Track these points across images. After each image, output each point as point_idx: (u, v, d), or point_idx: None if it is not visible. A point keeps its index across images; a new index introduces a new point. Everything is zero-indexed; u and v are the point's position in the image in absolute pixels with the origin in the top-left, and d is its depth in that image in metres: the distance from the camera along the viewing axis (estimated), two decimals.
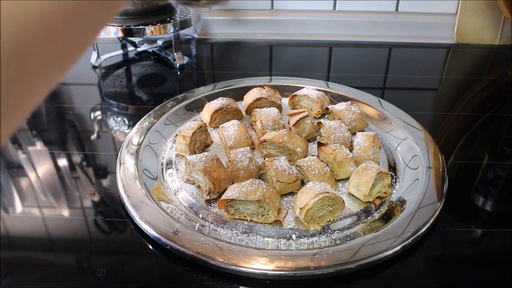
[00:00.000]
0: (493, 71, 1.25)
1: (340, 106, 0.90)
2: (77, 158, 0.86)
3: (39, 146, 0.90)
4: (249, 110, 0.93)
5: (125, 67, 1.23)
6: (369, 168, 0.73)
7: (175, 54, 1.19)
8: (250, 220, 0.69)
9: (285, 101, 0.98)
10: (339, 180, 0.78)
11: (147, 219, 0.67)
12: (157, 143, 0.86)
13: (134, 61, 1.26)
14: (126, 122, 0.97)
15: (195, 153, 0.82)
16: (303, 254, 0.62)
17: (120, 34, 1.11)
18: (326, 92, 0.98)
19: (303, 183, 0.75)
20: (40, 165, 0.84)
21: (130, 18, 1.13)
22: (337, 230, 0.67)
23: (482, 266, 0.65)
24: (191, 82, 1.17)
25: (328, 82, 1.06)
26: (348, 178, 0.75)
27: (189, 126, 0.83)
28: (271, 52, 1.33)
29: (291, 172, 0.73)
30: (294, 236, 0.66)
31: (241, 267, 0.60)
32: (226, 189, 0.71)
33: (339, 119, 0.88)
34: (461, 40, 1.33)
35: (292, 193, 0.74)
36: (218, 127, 0.87)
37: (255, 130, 0.90)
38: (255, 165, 0.76)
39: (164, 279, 0.62)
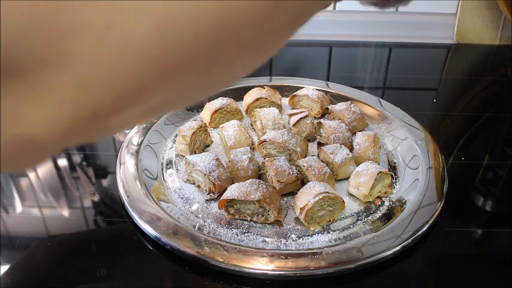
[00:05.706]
0: (493, 71, 1.25)
1: (340, 106, 0.90)
2: (77, 158, 0.86)
3: None
4: (249, 110, 0.93)
5: None
6: (369, 168, 0.73)
7: None
8: (250, 220, 0.69)
9: (285, 101, 0.98)
10: (339, 180, 0.77)
11: (147, 219, 0.67)
12: (157, 143, 0.86)
13: None
14: None
15: (195, 153, 0.82)
16: (303, 254, 0.62)
17: None
18: (326, 92, 0.98)
19: (303, 183, 0.75)
20: (40, 165, 0.84)
21: None
22: (337, 230, 0.67)
23: (482, 266, 0.65)
24: None
25: (328, 82, 1.06)
26: (348, 178, 0.75)
27: (189, 126, 0.83)
28: None
29: (291, 172, 0.73)
30: (294, 236, 0.66)
31: (241, 267, 0.60)
32: (226, 189, 0.71)
33: (339, 119, 0.88)
34: (461, 40, 1.33)
35: (292, 193, 0.74)
36: (218, 127, 0.87)
37: (255, 130, 0.90)
38: (255, 165, 0.76)
39: (164, 279, 0.62)
